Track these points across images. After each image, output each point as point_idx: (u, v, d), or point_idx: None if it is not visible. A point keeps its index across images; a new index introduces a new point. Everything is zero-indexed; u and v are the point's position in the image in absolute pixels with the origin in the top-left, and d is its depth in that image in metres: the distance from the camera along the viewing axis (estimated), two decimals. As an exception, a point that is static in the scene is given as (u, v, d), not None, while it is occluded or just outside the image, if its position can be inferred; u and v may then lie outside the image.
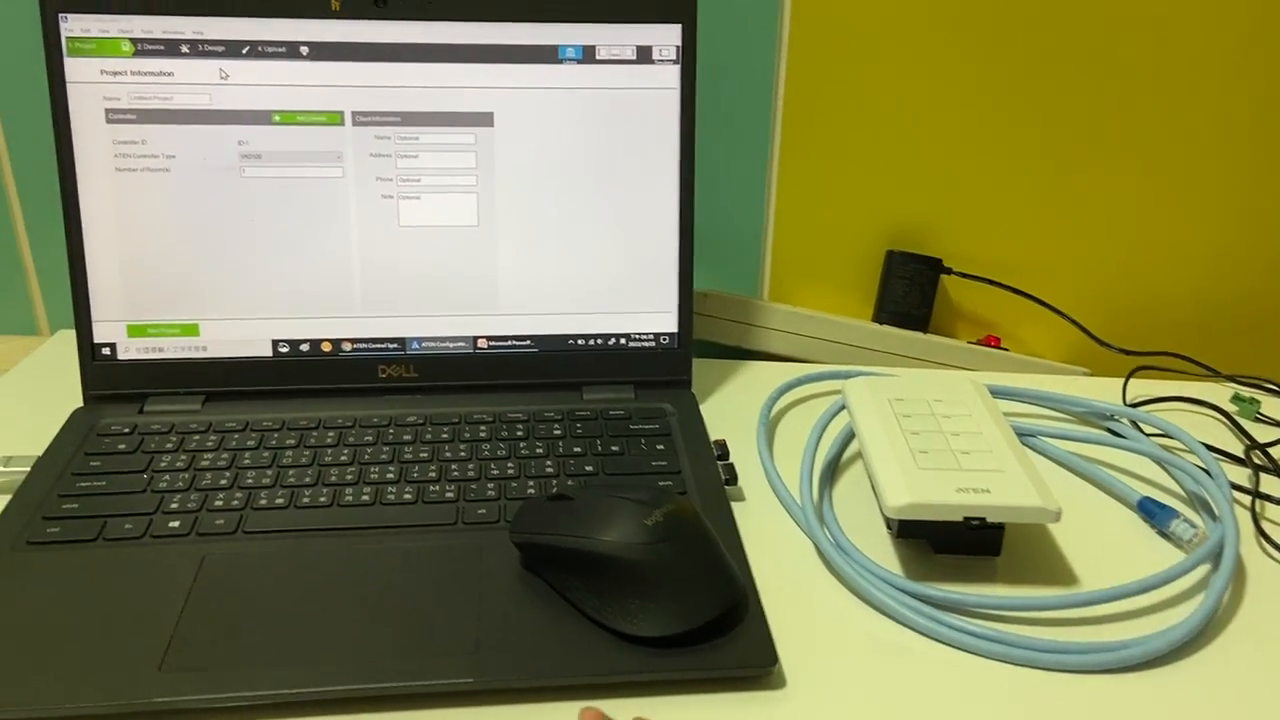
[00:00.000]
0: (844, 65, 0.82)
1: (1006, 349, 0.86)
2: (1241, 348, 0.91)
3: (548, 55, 0.66)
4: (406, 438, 0.63)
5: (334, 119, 0.65)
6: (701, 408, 0.71)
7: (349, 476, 0.59)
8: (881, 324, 0.86)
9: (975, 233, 0.87)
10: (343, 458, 0.61)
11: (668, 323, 0.71)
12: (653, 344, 0.71)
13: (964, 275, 0.86)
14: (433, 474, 0.60)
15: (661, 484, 0.60)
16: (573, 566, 0.49)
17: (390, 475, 0.59)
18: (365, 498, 0.58)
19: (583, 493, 0.52)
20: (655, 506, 0.49)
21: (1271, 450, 0.67)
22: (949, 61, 0.82)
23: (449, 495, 0.58)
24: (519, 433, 0.64)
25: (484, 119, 0.66)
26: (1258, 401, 0.71)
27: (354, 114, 0.65)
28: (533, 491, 0.59)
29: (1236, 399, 0.72)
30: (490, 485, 0.59)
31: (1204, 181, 0.85)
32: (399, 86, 0.65)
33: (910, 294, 0.85)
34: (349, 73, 0.65)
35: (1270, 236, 0.87)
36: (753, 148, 0.85)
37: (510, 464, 0.61)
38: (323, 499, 0.57)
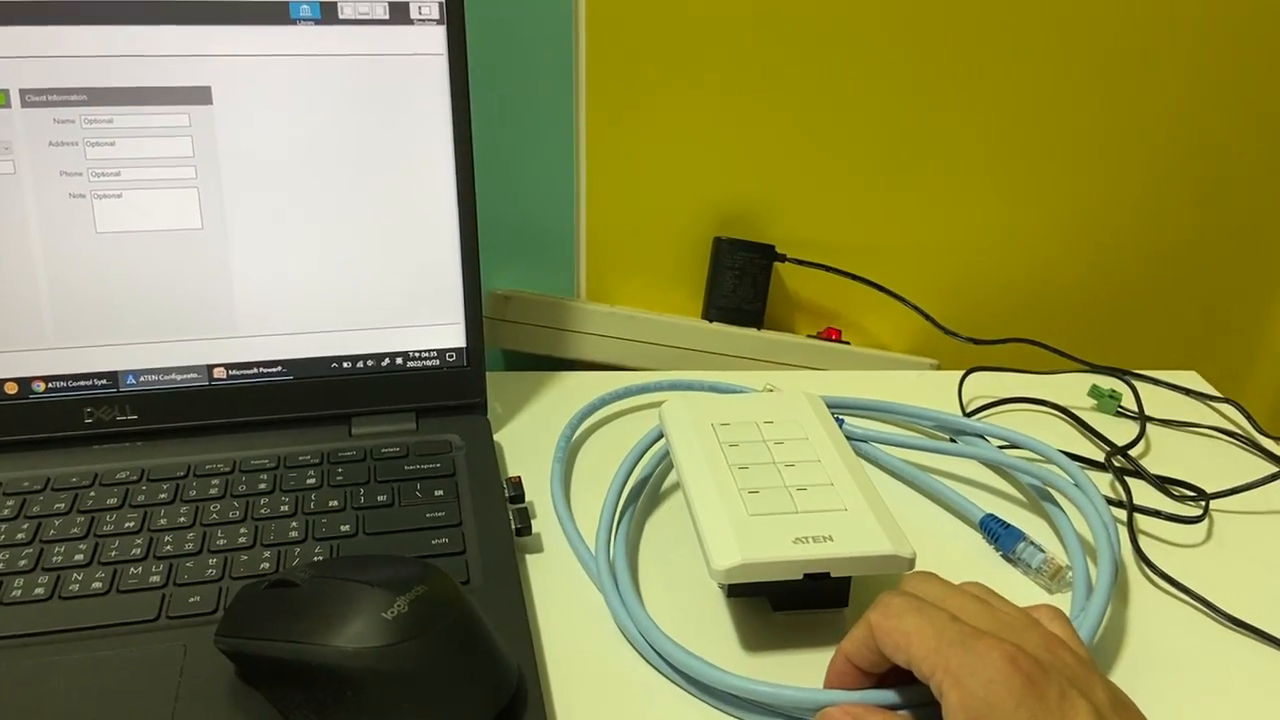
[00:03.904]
0: (656, 31, 0.71)
1: (848, 342, 0.77)
2: (1098, 334, 0.85)
3: (277, 14, 0.53)
4: (111, 501, 0.50)
5: (-4, 99, 0.51)
6: (499, 435, 0.60)
7: (22, 563, 0.46)
8: (712, 321, 0.76)
9: (810, 216, 0.78)
10: (19, 536, 0.47)
11: (454, 336, 0.59)
12: (436, 363, 0.59)
13: (799, 262, 0.77)
14: (137, 550, 0.47)
15: (435, 541, 0.48)
16: (293, 679, 0.37)
17: (79, 557, 0.46)
18: (39, 591, 0.44)
19: (312, 577, 0.40)
20: (400, 591, 0.38)
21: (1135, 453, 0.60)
22: (779, 29, 0.72)
23: (154, 580, 0.45)
24: (261, 485, 0.52)
25: (200, 95, 0.53)
26: (1118, 394, 0.64)
27: (24, 92, 0.51)
28: (267, 566, 0.46)
29: (1095, 391, 0.65)
30: (212, 561, 0.46)
31: (1050, 161, 0.78)
32: (84, 56, 0.51)
33: (741, 286, 0.76)
34: (14, 39, 0.50)
35: (1119, 216, 0.81)
36: (556, 126, 0.73)
37: (242, 529, 0.48)
38: (-22, 598, 0.44)
